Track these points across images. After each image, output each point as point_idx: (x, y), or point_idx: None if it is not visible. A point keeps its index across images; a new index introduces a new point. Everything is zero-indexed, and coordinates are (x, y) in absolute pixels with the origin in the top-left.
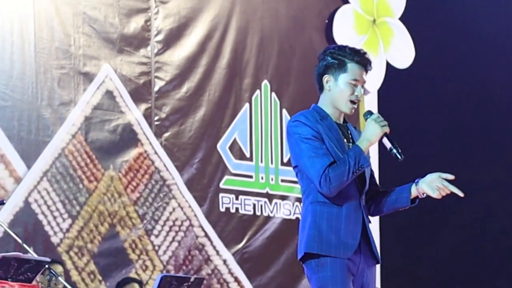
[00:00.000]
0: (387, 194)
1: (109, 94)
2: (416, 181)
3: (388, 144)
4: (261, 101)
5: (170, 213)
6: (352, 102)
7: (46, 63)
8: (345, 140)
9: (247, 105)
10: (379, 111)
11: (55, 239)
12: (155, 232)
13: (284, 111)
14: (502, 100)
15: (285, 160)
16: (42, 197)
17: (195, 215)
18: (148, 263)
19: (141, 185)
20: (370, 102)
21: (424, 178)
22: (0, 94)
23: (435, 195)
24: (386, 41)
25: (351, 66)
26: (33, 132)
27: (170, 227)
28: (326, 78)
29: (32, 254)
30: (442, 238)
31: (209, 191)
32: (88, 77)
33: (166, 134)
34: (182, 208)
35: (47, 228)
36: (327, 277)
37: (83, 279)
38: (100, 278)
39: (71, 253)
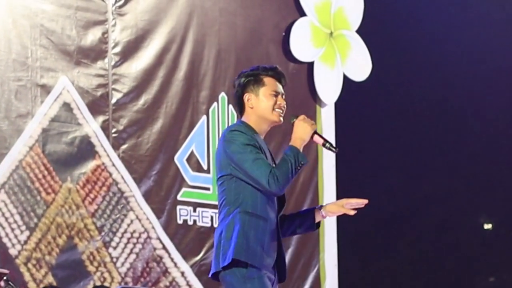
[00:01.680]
0: (291, 218)
1: (67, 106)
2: (318, 207)
3: (320, 140)
4: (219, 113)
5: (128, 225)
6: (278, 110)
7: (3, 75)
8: (271, 154)
9: (204, 117)
10: (336, 124)
11: (13, 251)
12: (113, 244)
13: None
14: (459, 112)
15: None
16: (0, 209)
17: (153, 227)
18: (106, 275)
19: (99, 197)
20: (327, 115)
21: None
22: None
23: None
24: (343, 53)
25: (268, 79)
26: None
27: (128, 239)
28: (246, 96)
29: None
30: (398, 251)
31: (167, 203)
32: (46, 89)
33: (124, 146)
34: (140, 220)
35: (5, 240)
36: (256, 285)
37: None
38: None
39: (29, 265)
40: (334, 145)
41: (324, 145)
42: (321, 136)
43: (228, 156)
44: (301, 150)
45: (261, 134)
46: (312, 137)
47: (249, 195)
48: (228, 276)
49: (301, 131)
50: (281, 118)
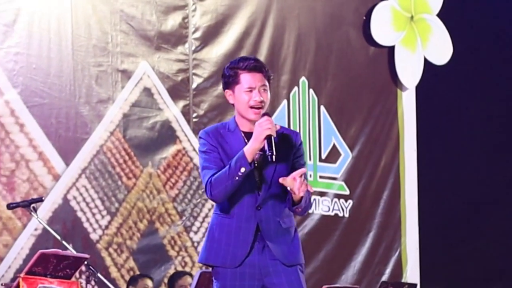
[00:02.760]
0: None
1: (147, 91)
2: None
3: (265, 145)
4: (299, 98)
5: (209, 210)
6: (253, 107)
7: (83, 60)
8: None
9: (285, 101)
10: (417, 107)
11: (94, 236)
12: (194, 228)
13: (322, 107)
14: None
15: (323, 157)
16: (81, 194)
17: None
18: (187, 259)
19: (179, 182)
20: (408, 98)
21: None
22: (38, 92)
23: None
24: (424, 37)
25: (243, 76)
26: (71, 129)
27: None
28: (228, 93)
29: (71, 251)
30: (482, 234)
31: None
32: (126, 75)
33: None
34: None
35: (86, 225)
36: (219, 285)
37: (122, 276)
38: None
39: (110, 249)
40: (271, 156)
41: (265, 151)
42: (269, 144)
43: None
44: (251, 155)
45: (245, 127)
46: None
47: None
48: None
49: (254, 135)
50: (258, 116)
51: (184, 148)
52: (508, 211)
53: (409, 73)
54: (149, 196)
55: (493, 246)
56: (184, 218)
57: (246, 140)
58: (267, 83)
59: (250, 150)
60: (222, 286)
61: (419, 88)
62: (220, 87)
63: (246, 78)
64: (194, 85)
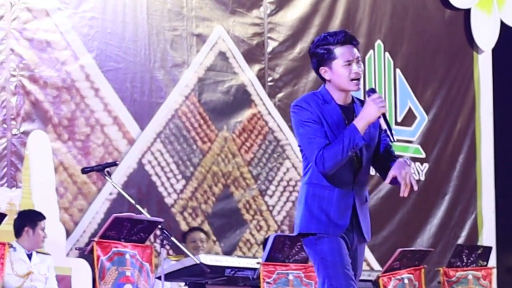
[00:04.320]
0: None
1: (222, 55)
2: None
3: (383, 125)
4: (375, 61)
5: (284, 174)
6: (354, 79)
7: (158, 25)
8: (346, 122)
9: None
10: (494, 70)
11: (169, 200)
12: (269, 192)
13: (397, 70)
14: None
15: (399, 120)
16: (156, 158)
17: None
18: (262, 223)
19: (255, 146)
20: (485, 61)
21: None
22: (113, 56)
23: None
24: None
25: (338, 50)
26: (146, 93)
27: (284, 187)
28: (322, 70)
29: (145, 215)
30: None
31: None
32: (201, 39)
33: (280, 95)
34: (296, 168)
35: (160, 189)
36: (325, 249)
37: None
38: (215, 238)
39: (185, 214)
40: (392, 136)
41: (385, 131)
42: (385, 121)
43: (294, 128)
44: (363, 130)
45: (340, 100)
46: (378, 118)
47: (314, 167)
48: (303, 241)
49: (368, 112)
50: (359, 87)
51: (259, 112)
52: None
53: (485, 35)
54: (224, 160)
55: None
56: (259, 182)
57: (343, 114)
58: (359, 55)
59: (363, 125)
60: (331, 249)
61: (495, 51)
62: (296, 50)
63: (342, 52)
64: (269, 49)
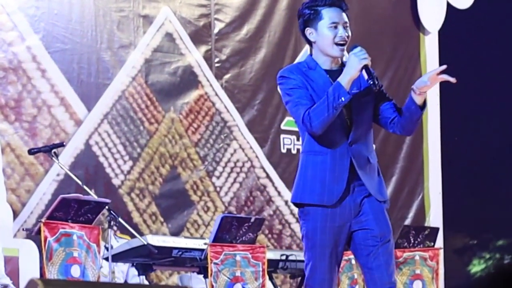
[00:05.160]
0: (402, 114)
1: (169, 36)
2: (412, 88)
3: (365, 75)
4: None
5: (232, 155)
6: (338, 44)
7: (105, 6)
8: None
9: (307, 46)
10: (440, 52)
11: (116, 181)
12: (217, 173)
13: (344, 51)
14: None
15: None
16: (103, 139)
17: (257, 156)
18: (209, 204)
19: (202, 127)
20: (431, 43)
21: (417, 81)
22: (60, 38)
23: (428, 79)
24: None
25: (325, 11)
26: (92, 75)
27: (232, 168)
28: (308, 31)
29: (92, 196)
30: (508, 178)
31: (270, 132)
32: (148, 20)
33: (227, 76)
34: (243, 150)
35: (108, 170)
36: (308, 227)
37: (144, 221)
38: (162, 219)
39: (133, 195)
40: (376, 83)
41: (367, 81)
42: (368, 72)
43: (283, 100)
44: (348, 85)
45: (326, 65)
46: (361, 70)
47: (307, 134)
48: (299, 215)
49: (350, 66)
50: (343, 52)
51: (206, 93)
52: None
53: (432, 17)
54: (171, 141)
55: None
56: (206, 163)
57: (330, 78)
58: (347, 21)
59: (347, 80)
60: (313, 228)
61: (441, 32)
62: (242, 31)
63: (329, 13)
64: (216, 30)
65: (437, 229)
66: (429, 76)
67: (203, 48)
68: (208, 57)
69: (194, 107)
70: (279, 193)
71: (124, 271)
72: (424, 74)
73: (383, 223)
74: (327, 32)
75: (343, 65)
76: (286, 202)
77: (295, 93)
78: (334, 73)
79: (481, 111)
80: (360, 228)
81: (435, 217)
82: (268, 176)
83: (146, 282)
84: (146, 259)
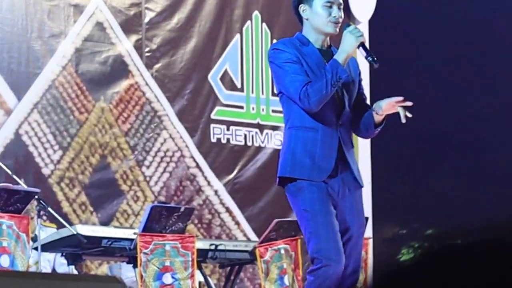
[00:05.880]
0: (361, 122)
1: (100, 25)
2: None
3: (363, 53)
4: (252, 32)
5: (161, 144)
6: (333, 23)
7: None
8: (326, 63)
9: (238, 36)
10: (370, 42)
11: (46, 171)
12: (146, 163)
13: (275, 41)
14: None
15: (276, 91)
16: (33, 128)
17: (186, 146)
18: (139, 194)
19: (132, 116)
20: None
21: (375, 104)
22: None
23: (384, 106)
24: None
25: None
26: (23, 64)
27: (162, 158)
28: (302, 7)
29: (22, 185)
30: (439, 169)
31: (200, 122)
32: (78, 9)
33: (157, 65)
34: (173, 139)
35: (38, 159)
36: (305, 199)
37: (74, 210)
38: (92, 209)
39: (62, 184)
40: (375, 59)
41: (366, 58)
42: (365, 49)
43: (273, 74)
44: (344, 63)
45: (318, 43)
46: (357, 48)
47: (297, 109)
48: (286, 192)
49: (346, 43)
50: (337, 29)
51: (136, 83)
52: (465, 145)
53: (362, 6)
54: (101, 131)
55: (447, 180)
56: (136, 152)
57: (322, 57)
58: (342, 2)
59: (343, 58)
60: (310, 199)
61: (372, 22)
62: (173, 21)
63: None
64: (146, 20)
65: (366, 219)
66: (386, 102)
67: (134, 38)
68: (138, 47)
69: (124, 96)
70: (208, 182)
71: (51, 260)
72: (383, 100)
73: (361, 215)
74: (321, 11)
75: (331, 46)
76: (215, 192)
77: (289, 67)
78: (325, 53)
79: (411, 100)
80: (341, 212)
81: (364, 207)
82: (198, 166)
83: (75, 272)
84: (76, 249)
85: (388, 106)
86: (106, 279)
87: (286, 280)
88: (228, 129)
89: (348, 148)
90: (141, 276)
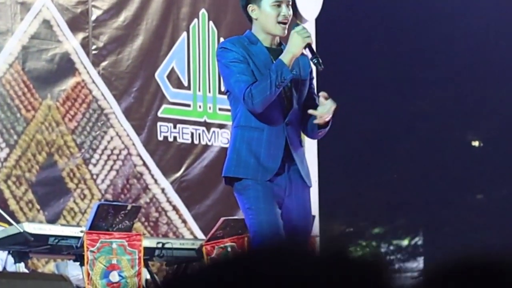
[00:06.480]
0: (308, 122)
1: (46, 23)
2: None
3: (309, 54)
4: (199, 30)
5: (108, 142)
6: (281, 23)
7: None
8: (274, 62)
9: (184, 34)
10: (317, 40)
11: None
12: (93, 161)
13: (221, 40)
14: (446, 29)
15: (222, 89)
16: None
17: (133, 144)
18: (86, 191)
19: (79, 114)
20: (309, 30)
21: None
22: None
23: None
24: None
25: None
26: None
27: (108, 156)
28: (250, 7)
29: None
30: (385, 168)
31: (147, 120)
32: (25, 6)
33: (104, 63)
34: (120, 137)
35: None
36: (250, 197)
37: (21, 208)
38: (39, 207)
39: (9, 182)
40: (321, 62)
41: (311, 59)
42: (311, 51)
43: (220, 73)
44: (290, 64)
45: (267, 42)
46: (304, 49)
47: (243, 109)
48: (233, 189)
49: (292, 44)
50: (285, 31)
51: (83, 80)
52: (409, 143)
53: (309, 5)
54: (48, 129)
55: (394, 179)
56: (83, 150)
57: (270, 55)
58: (291, 0)
59: (289, 58)
60: (255, 197)
61: (318, 21)
62: (120, 18)
63: None
64: (93, 17)
65: (313, 217)
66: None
67: (81, 35)
68: (85, 45)
69: (71, 94)
70: (155, 180)
71: (3, 259)
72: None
73: (307, 211)
74: (270, 10)
75: (281, 44)
76: (162, 190)
77: (235, 67)
78: (274, 52)
79: (357, 99)
80: (287, 211)
81: (311, 205)
82: (144, 164)
83: (25, 270)
84: (23, 246)
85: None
86: (53, 277)
87: None
88: (175, 127)
89: (295, 147)
90: (88, 274)
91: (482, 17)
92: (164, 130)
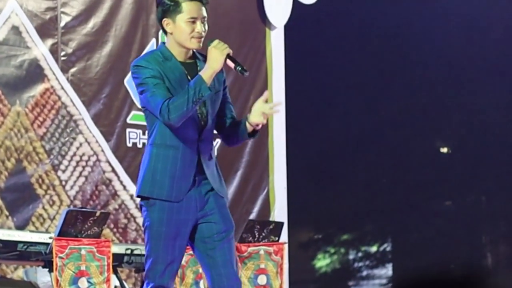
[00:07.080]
0: (232, 128)
1: (15, 29)
2: (245, 116)
3: (232, 64)
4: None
5: (77, 148)
6: (196, 38)
7: None
8: (189, 78)
9: (153, 40)
10: (286, 47)
11: None
12: (62, 167)
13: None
14: (412, 39)
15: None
16: None
17: (102, 150)
18: (55, 198)
19: (48, 120)
20: (277, 38)
21: (250, 113)
22: None
23: (262, 119)
24: None
25: (185, 5)
26: None
27: (77, 162)
28: (165, 21)
29: None
30: (353, 174)
31: (116, 126)
32: None
33: (73, 70)
34: (89, 143)
35: None
36: (154, 217)
37: None
38: (7, 213)
39: None
40: (244, 68)
41: (235, 68)
42: (233, 60)
43: (137, 90)
44: (210, 80)
45: (181, 57)
46: (225, 61)
47: (158, 126)
48: (140, 204)
49: (212, 59)
50: (200, 44)
51: (52, 87)
52: (378, 150)
53: (278, 11)
54: (17, 135)
55: (363, 186)
56: (52, 156)
57: (185, 70)
58: (206, 15)
59: (209, 74)
60: (158, 219)
61: (287, 28)
62: (89, 25)
63: (189, 7)
64: (62, 24)
65: (281, 224)
66: (253, 115)
67: (50, 42)
68: (54, 51)
69: (40, 100)
70: (124, 187)
71: None
72: (251, 113)
73: (228, 219)
74: (184, 26)
75: (196, 57)
76: (131, 196)
77: (152, 82)
78: (188, 66)
79: (325, 105)
80: (205, 221)
81: (280, 212)
82: (113, 170)
83: None
84: None
85: (256, 118)
86: (21, 284)
87: (202, 285)
88: (144, 134)
89: (206, 160)
90: (57, 281)
91: (449, 26)
92: (133, 137)
